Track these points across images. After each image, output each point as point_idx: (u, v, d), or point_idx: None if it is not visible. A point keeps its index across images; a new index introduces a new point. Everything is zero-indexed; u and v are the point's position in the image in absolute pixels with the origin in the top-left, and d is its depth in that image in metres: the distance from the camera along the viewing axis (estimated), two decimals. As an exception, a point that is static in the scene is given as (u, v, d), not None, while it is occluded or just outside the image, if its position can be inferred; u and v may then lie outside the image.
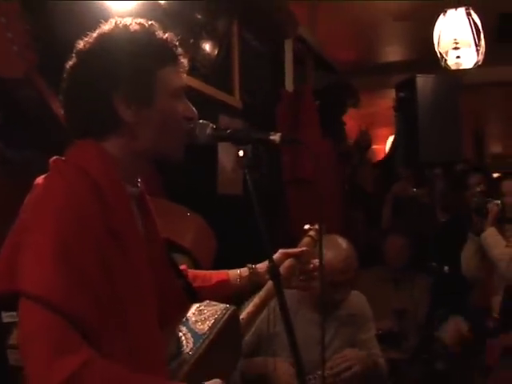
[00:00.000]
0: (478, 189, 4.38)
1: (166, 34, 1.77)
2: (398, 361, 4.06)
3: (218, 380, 1.65)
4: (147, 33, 1.73)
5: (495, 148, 12.93)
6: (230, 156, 4.09)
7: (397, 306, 4.59)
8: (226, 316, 1.82)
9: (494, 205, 3.90)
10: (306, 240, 2.29)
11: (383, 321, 4.41)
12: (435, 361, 4.02)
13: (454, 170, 6.14)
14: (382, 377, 3.35)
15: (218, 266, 2.37)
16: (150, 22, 1.76)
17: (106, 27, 1.73)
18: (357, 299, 3.41)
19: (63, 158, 1.68)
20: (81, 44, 1.72)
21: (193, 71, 3.79)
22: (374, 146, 8.54)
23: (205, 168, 4.01)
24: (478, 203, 4.03)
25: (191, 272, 2.16)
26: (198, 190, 3.80)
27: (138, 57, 1.68)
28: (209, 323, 1.80)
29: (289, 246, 2.27)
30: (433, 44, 4.78)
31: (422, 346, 4.02)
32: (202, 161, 3.73)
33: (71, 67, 1.72)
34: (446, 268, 4.29)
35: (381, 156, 7.94)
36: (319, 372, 2.86)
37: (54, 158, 1.68)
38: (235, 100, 4.51)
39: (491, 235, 3.85)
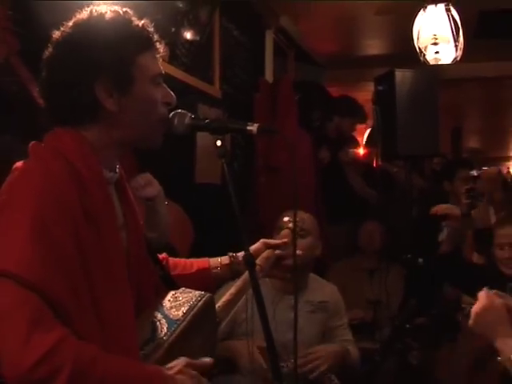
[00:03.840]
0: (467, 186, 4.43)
1: (142, 21, 1.78)
2: (371, 351, 4.11)
3: (183, 359, 1.68)
4: (123, 20, 1.74)
5: (473, 143, 13.05)
6: (207, 145, 4.10)
7: (370, 297, 4.64)
8: (201, 302, 1.84)
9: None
10: (285, 231, 2.36)
11: (356, 311, 4.47)
12: (408, 352, 4.06)
13: (432, 164, 6.20)
14: (354, 366, 3.41)
15: (195, 254, 2.39)
16: (124, 9, 1.77)
17: (81, 16, 1.74)
18: (329, 289, 3.51)
19: (42, 144, 1.70)
20: (57, 34, 1.73)
21: (173, 60, 3.80)
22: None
23: (183, 157, 4.02)
24: (473, 187, 4.11)
25: (172, 260, 2.18)
26: (176, 179, 3.82)
27: (117, 45, 1.69)
28: (183, 309, 1.82)
29: (258, 234, 2.32)
30: (412, 39, 4.83)
31: (394, 336, 4.06)
32: (180, 150, 3.74)
33: (49, 57, 1.72)
34: (420, 260, 4.33)
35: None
36: (292, 360, 2.88)
37: (33, 142, 1.70)
38: (215, 89, 4.53)
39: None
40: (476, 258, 4.16)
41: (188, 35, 4.08)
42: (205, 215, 3.76)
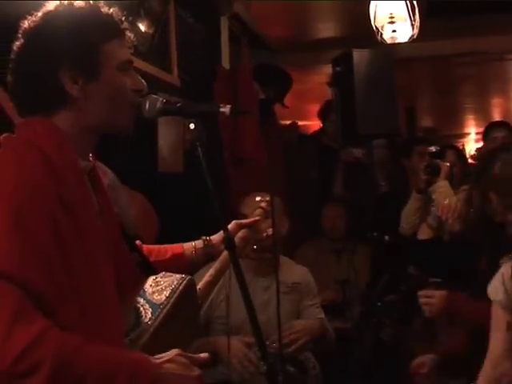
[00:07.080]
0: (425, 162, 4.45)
1: (111, 9, 1.78)
2: (343, 329, 4.16)
3: (175, 350, 1.67)
4: (91, 8, 1.75)
5: (427, 121, 13.18)
6: (169, 133, 4.08)
7: (339, 277, 4.69)
8: (183, 285, 1.86)
9: (445, 165, 4.03)
10: (258, 211, 2.39)
11: (326, 292, 4.51)
12: (381, 329, 4.12)
13: (393, 142, 6.26)
14: (331, 341, 3.47)
15: (161, 243, 2.39)
16: None
17: (50, 6, 1.74)
18: (301, 271, 3.57)
19: (14, 135, 1.69)
20: (26, 23, 1.73)
21: (131, 49, 3.76)
22: (308, 122, 8.62)
23: (144, 146, 3.98)
24: (431, 163, 4.15)
25: (146, 247, 2.19)
26: (138, 168, 3.78)
27: (81, 31, 1.70)
28: (166, 293, 1.83)
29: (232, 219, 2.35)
30: (367, 19, 4.86)
31: (367, 314, 4.11)
32: (141, 138, 3.71)
33: (18, 47, 1.72)
34: (386, 237, 4.38)
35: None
36: (268, 342, 2.90)
37: (5, 135, 1.69)
38: (173, 78, 4.50)
39: (445, 186, 3.95)
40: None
41: (144, 25, 4.05)
42: (169, 204, 3.74)
